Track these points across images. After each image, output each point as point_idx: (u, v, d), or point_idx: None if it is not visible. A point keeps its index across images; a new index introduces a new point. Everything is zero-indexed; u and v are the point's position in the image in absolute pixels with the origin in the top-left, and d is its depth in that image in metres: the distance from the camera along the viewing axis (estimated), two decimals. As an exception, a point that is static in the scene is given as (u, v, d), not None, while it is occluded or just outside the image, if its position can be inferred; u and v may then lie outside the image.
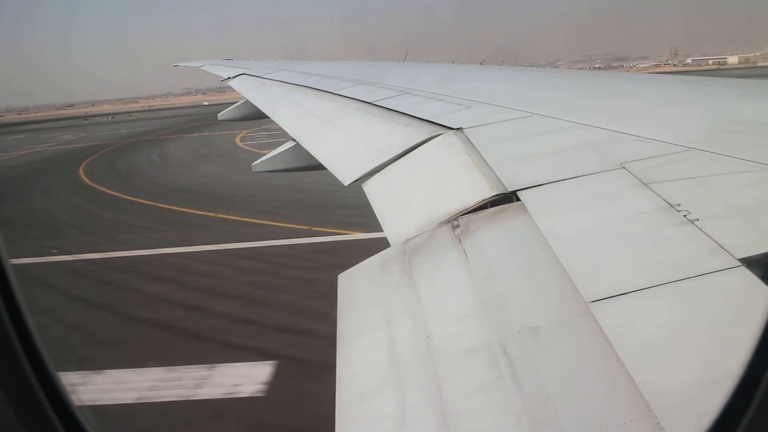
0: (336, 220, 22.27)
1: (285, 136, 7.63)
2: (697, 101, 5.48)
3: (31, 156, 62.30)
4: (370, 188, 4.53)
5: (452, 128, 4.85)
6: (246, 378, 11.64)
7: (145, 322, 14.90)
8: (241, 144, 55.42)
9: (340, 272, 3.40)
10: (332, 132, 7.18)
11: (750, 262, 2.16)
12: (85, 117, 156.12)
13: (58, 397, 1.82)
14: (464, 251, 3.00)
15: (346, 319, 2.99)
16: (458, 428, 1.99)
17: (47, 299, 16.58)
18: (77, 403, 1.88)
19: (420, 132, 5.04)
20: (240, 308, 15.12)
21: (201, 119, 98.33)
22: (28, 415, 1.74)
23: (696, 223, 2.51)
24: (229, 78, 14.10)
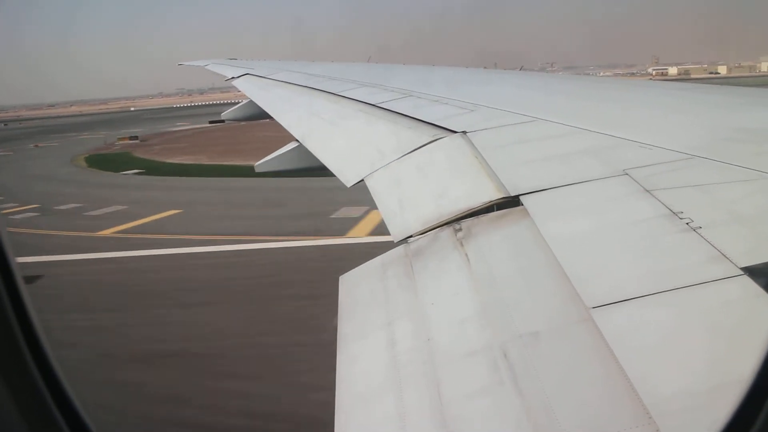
0: None
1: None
2: (700, 109, 5.48)
3: None
4: (373, 183, 4.54)
5: (456, 131, 4.85)
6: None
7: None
8: None
9: None
10: (335, 133, 7.18)
11: (752, 271, 2.16)
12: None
13: (61, 395, 1.82)
14: (466, 255, 3.00)
15: (347, 320, 3.00)
16: (458, 431, 1.99)
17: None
18: (80, 401, 1.88)
19: (423, 135, 5.05)
20: None
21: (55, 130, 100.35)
22: (32, 413, 1.75)
23: (698, 230, 2.51)
24: (233, 78, 14.09)
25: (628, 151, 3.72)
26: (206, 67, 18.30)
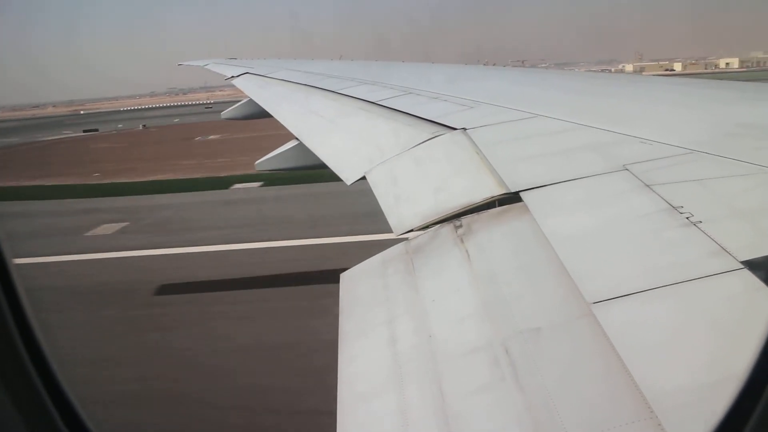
0: None
1: None
2: (699, 103, 5.48)
3: None
4: (373, 177, 4.56)
5: (455, 128, 4.85)
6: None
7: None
8: None
9: None
10: (335, 131, 7.19)
11: (753, 265, 2.16)
12: None
13: (59, 395, 1.82)
14: (466, 251, 3.00)
15: (348, 318, 3.00)
16: (460, 428, 1.99)
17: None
18: (78, 401, 1.88)
19: (423, 132, 5.05)
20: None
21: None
22: (30, 413, 1.75)
23: (698, 225, 2.51)
24: (233, 77, 14.11)
25: (627, 146, 3.72)
26: (206, 66, 18.32)
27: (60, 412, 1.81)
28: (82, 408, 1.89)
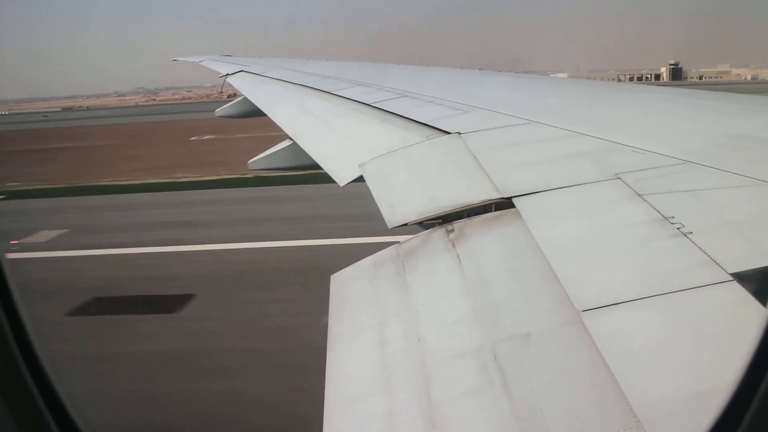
0: None
1: None
2: (694, 114, 5.51)
3: None
4: (368, 170, 4.56)
5: (450, 132, 4.85)
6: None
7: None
8: None
9: None
10: (329, 132, 7.17)
11: (742, 277, 2.17)
12: None
13: (53, 398, 1.80)
14: (458, 256, 3.00)
15: (337, 319, 2.99)
16: None
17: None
18: (71, 404, 1.86)
19: (417, 135, 5.05)
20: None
21: None
22: (23, 415, 1.73)
23: (689, 236, 2.52)
24: (228, 74, 14.06)
25: (621, 154, 3.73)
26: (201, 63, 18.25)
27: (52, 412, 1.79)
28: (73, 409, 1.87)
